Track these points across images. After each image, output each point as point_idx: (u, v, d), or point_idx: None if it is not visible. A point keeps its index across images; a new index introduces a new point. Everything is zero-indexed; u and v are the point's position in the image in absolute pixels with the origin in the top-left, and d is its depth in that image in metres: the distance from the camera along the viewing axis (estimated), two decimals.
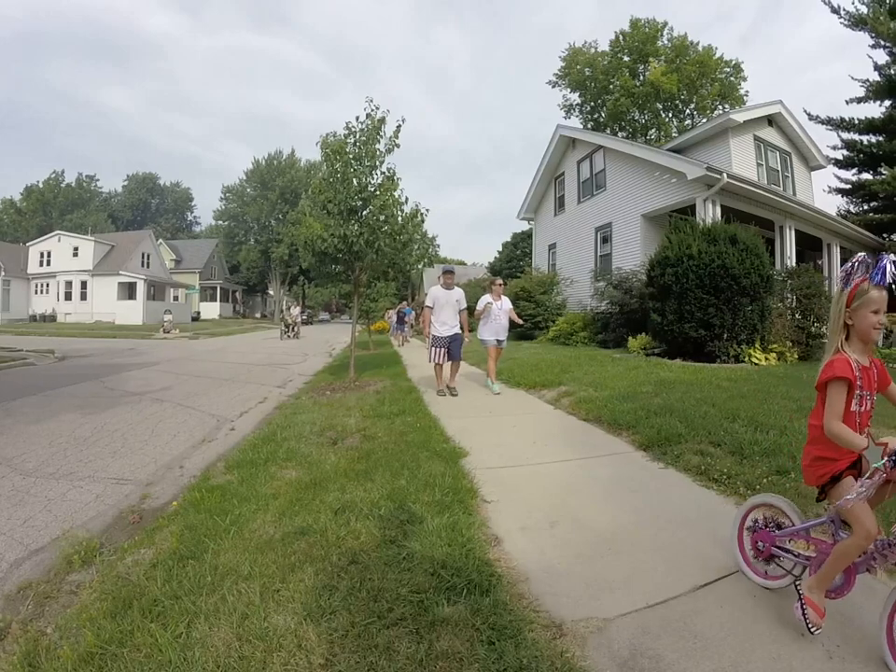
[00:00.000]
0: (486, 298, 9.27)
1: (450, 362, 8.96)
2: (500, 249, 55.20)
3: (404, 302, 29.27)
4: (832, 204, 33.65)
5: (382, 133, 9.54)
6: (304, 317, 58.59)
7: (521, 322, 10.98)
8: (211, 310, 55.59)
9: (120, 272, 42.36)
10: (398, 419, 6.68)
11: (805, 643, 2.25)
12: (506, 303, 9.46)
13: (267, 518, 3.58)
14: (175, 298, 49.46)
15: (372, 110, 9.41)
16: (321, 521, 3.43)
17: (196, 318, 49.44)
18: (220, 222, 74.32)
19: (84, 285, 43.50)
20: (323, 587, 2.64)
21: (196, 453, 5.93)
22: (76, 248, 44.20)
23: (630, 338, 13.58)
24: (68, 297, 43.43)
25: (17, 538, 3.68)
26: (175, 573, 2.86)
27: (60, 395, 9.41)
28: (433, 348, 8.81)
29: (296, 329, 29.80)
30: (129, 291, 42.74)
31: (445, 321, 8.85)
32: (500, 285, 9.53)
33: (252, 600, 2.54)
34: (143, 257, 47.51)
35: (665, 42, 43.85)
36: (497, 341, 9.27)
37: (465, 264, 78.87)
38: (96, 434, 6.59)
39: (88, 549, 3.37)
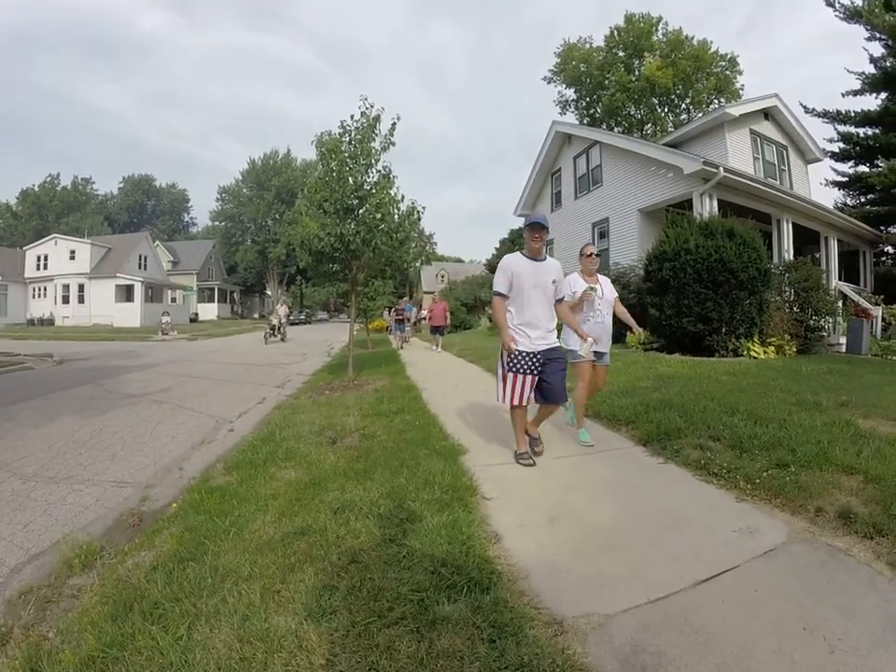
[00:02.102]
0: (577, 278, 5.51)
1: (544, 405, 4.89)
2: (497, 246, 55.18)
3: (404, 299, 26.72)
4: (829, 197, 33.71)
5: (377, 132, 9.54)
6: (303, 317, 58.56)
7: (634, 326, 5.71)
8: (209, 311, 55.43)
9: (118, 274, 42.22)
10: (396, 417, 6.68)
11: (806, 637, 2.24)
12: (607, 288, 5.68)
13: (267, 519, 3.58)
14: (173, 299, 49.24)
15: (367, 108, 9.42)
16: (321, 521, 3.43)
17: (194, 320, 49.32)
18: (217, 223, 74.54)
19: (81, 288, 43.34)
20: (323, 587, 2.65)
21: (195, 454, 5.93)
22: (72, 251, 44.04)
23: (628, 333, 13.53)
24: (66, 300, 43.29)
25: (17, 542, 3.68)
26: (176, 575, 2.87)
27: (59, 398, 9.40)
28: (511, 375, 4.60)
29: (282, 330, 26.83)
30: (126, 294, 42.63)
31: (534, 321, 4.63)
32: (594, 255, 5.60)
33: (252, 601, 2.54)
34: (140, 259, 47.35)
35: (660, 37, 43.87)
36: (596, 354, 5.36)
37: (462, 261, 79.02)
38: (95, 437, 6.59)
39: (88, 552, 3.38)
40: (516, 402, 4.64)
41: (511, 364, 4.60)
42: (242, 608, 2.50)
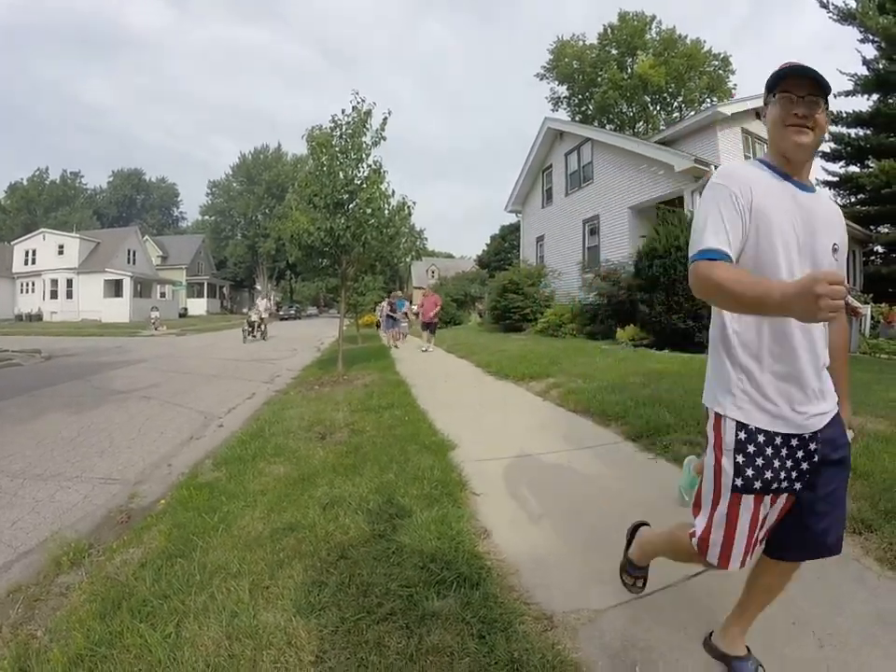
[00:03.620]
0: None
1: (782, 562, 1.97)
2: (488, 242, 55.30)
3: (396, 293, 23.26)
4: None
5: (368, 126, 9.52)
6: (293, 312, 58.38)
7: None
8: (198, 306, 55.26)
9: (106, 269, 42.02)
10: (386, 413, 6.66)
11: (796, 632, 2.26)
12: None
13: (255, 515, 3.57)
14: (162, 294, 49.02)
15: (358, 103, 9.40)
16: (310, 516, 3.42)
17: (183, 315, 49.17)
18: (207, 217, 74.27)
19: (70, 283, 43.10)
20: (312, 583, 2.64)
21: (184, 450, 5.90)
22: (61, 246, 43.80)
23: (618, 329, 13.62)
24: (54, 295, 43.03)
25: (5, 540, 3.66)
26: (164, 572, 2.85)
27: (46, 395, 9.33)
28: (734, 497, 1.77)
29: (262, 327, 23.79)
30: (115, 289, 42.43)
31: (799, 351, 1.71)
32: None
33: (241, 598, 2.53)
34: (129, 253, 47.10)
35: (654, 35, 44.03)
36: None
37: (453, 257, 79.11)
38: (83, 434, 6.55)
39: (76, 550, 3.35)
40: (734, 565, 1.83)
41: (741, 465, 1.77)
42: (230, 604, 2.48)
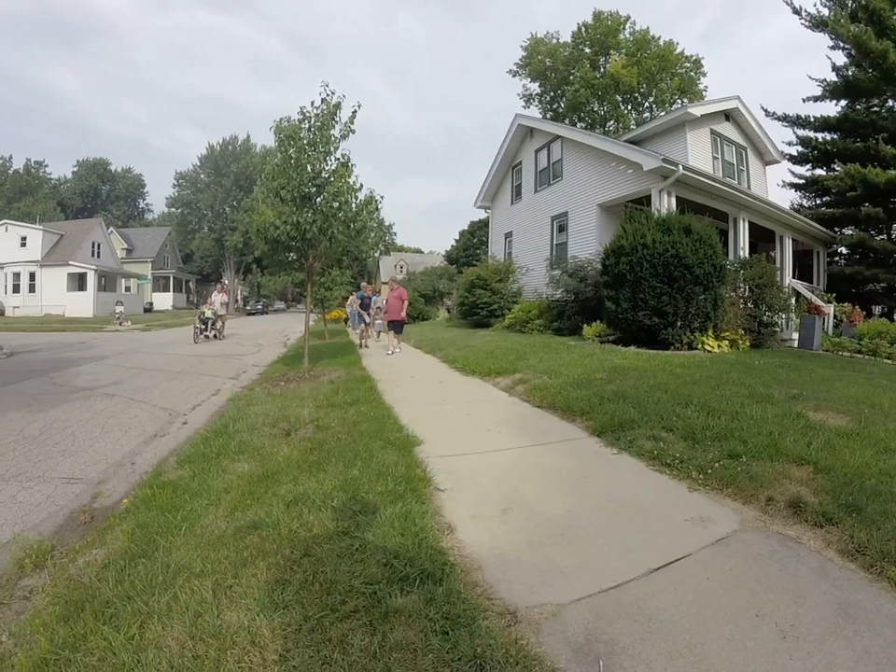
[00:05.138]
0: None
1: None
2: (457, 238, 55.40)
3: (367, 286, 19.80)
4: (785, 198, 34.59)
5: (337, 119, 9.43)
6: (260, 306, 57.65)
7: None
8: (164, 300, 54.40)
9: (70, 262, 40.96)
10: (351, 409, 6.65)
11: (758, 623, 2.31)
12: None
13: (219, 513, 3.54)
14: (127, 288, 48.01)
15: (328, 95, 9.30)
16: (273, 514, 3.41)
17: (148, 309, 48.35)
18: (173, 209, 72.81)
19: (32, 276, 41.92)
20: (276, 581, 2.63)
21: (148, 448, 5.83)
22: (23, 238, 42.53)
23: (585, 325, 13.71)
24: (16, 289, 41.82)
25: None
26: (127, 573, 2.82)
27: (7, 392, 9.11)
28: None
29: (218, 325, 21.20)
30: (79, 282, 41.43)
31: None
32: None
33: (205, 598, 2.52)
34: (93, 246, 45.98)
35: (627, 35, 44.29)
36: None
37: (422, 252, 79.05)
38: (45, 432, 6.42)
39: (39, 552, 3.31)
40: None
41: None
42: (194, 604, 2.47)
